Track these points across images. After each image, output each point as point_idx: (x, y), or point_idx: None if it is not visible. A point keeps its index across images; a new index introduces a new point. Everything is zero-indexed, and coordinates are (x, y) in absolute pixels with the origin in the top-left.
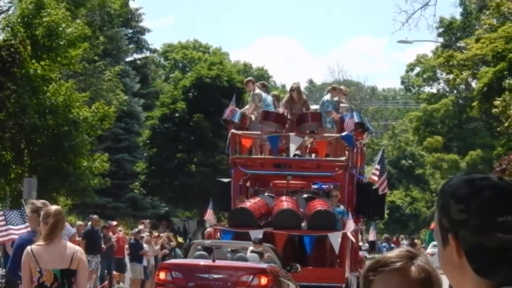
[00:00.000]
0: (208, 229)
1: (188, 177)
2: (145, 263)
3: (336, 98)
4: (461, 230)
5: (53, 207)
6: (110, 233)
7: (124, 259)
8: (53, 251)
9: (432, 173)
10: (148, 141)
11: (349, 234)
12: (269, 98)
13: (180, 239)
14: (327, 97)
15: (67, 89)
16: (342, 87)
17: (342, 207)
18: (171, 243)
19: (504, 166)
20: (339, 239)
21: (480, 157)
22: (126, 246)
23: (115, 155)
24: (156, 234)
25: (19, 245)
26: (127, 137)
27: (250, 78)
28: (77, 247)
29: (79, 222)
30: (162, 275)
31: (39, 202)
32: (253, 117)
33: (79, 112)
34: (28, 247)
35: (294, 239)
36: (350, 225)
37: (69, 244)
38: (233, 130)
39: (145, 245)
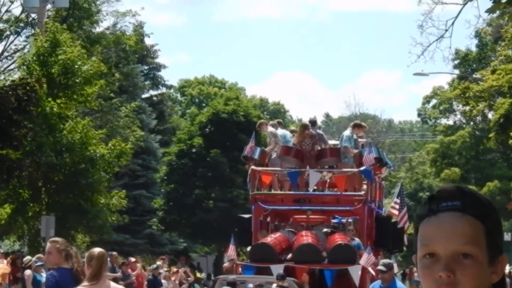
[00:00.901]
0: (225, 264)
1: (205, 212)
2: None
3: (355, 135)
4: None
5: (97, 250)
6: (129, 270)
7: None
8: None
9: None
10: (165, 177)
11: (369, 268)
12: (288, 134)
13: (198, 274)
14: (347, 132)
15: (83, 126)
16: (364, 124)
17: (357, 240)
18: (189, 279)
19: None
20: (359, 272)
21: (498, 188)
22: (145, 282)
23: (132, 192)
24: (174, 269)
25: (56, 283)
26: (145, 174)
27: (261, 120)
28: (119, 286)
29: None
30: None
31: (62, 240)
32: (273, 154)
33: (96, 149)
34: None
35: (315, 273)
36: (370, 258)
37: (113, 284)
38: (253, 167)
39: (163, 281)
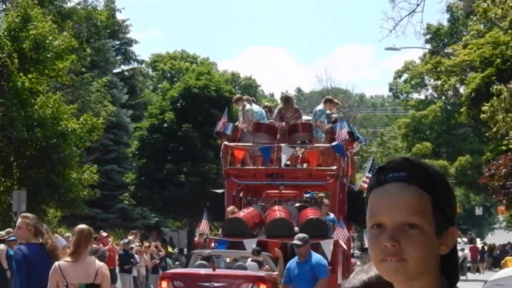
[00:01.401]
0: (196, 239)
1: (177, 187)
2: (135, 273)
3: (328, 111)
4: (453, 225)
5: (78, 226)
6: (101, 245)
7: (115, 270)
8: (79, 267)
9: None
10: (137, 152)
11: (341, 242)
12: (261, 111)
13: (170, 249)
14: (320, 107)
15: (55, 101)
16: (336, 100)
17: (332, 215)
18: (160, 253)
19: (493, 171)
20: (331, 247)
21: (469, 163)
22: (117, 257)
23: (104, 166)
24: (146, 244)
25: (24, 257)
26: (116, 148)
27: (238, 95)
28: (101, 263)
29: (68, 234)
30: (164, 285)
31: (32, 216)
32: (245, 130)
33: (68, 124)
34: (56, 263)
35: (287, 247)
36: (342, 232)
37: (97, 261)
38: (225, 142)
39: (135, 256)
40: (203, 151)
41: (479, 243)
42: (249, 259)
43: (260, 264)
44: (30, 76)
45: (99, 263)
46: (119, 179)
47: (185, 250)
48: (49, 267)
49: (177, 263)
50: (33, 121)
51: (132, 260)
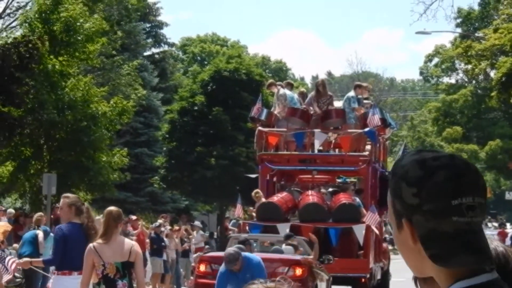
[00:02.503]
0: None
1: (207, 170)
2: (165, 257)
3: (360, 96)
4: (415, 215)
5: (108, 208)
6: (131, 228)
7: (145, 254)
8: (113, 247)
9: None
10: (167, 135)
11: (372, 226)
12: (295, 96)
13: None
14: (351, 93)
15: (85, 84)
16: (365, 84)
17: (357, 199)
18: (190, 236)
19: None
20: (363, 231)
21: (500, 147)
22: (147, 240)
23: (134, 150)
24: (176, 228)
25: (63, 237)
26: (146, 132)
27: (271, 80)
28: (134, 242)
29: (98, 217)
30: (202, 268)
31: (73, 196)
32: (279, 116)
33: (98, 107)
34: (91, 244)
35: (320, 231)
36: (374, 217)
37: (127, 240)
38: (260, 128)
39: (165, 239)
40: (233, 134)
41: (509, 229)
42: (284, 244)
43: (296, 248)
44: (60, 58)
45: (131, 242)
46: (149, 162)
47: (215, 234)
48: (84, 246)
49: (207, 246)
50: (63, 104)
51: (163, 243)
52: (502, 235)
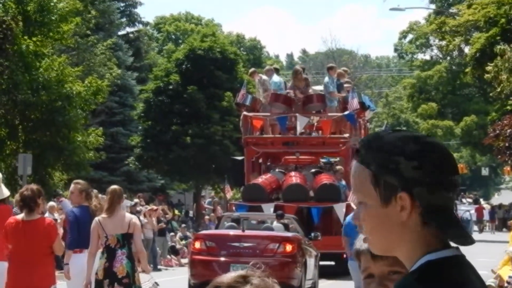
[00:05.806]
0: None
1: (183, 149)
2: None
3: (335, 77)
4: (416, 188)
5: (111, 187)
6: None
7: None
8: (115, 220)
9: None
10: (142, 114)
11: (352, 205)
12: (280, 81)
13: (176, 212)
14: (326, 78)
15: (59, 64)
16: (342, 69)
17: (344, 182)
18: (167, 216)
19: (497, 131)
20: (344, 210)
21: (475, 123)
22: None
23: (109, 129)
24: (153, 207)
25: (75, 219)
26: (121, 111)
27: (253, 69)
28: (133, 216)
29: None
30: (197, 245)
31: (83, 182)
32: (263, 100)
33: (72, 87)
34: (96, 218)
35: (303, 211)
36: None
37: (127, 214)
38: (245, 112)
39: (141, 218)
40: (208, 113)
41: (484, 204)
42: (275, 222)
43: (286, 226)
44: (34, 39)
45: (130, 216)
46: (124, 141)
47: (191, 212)
48: None
49: (183, 225)
50: (38, 84)
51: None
52: (479, 211)
